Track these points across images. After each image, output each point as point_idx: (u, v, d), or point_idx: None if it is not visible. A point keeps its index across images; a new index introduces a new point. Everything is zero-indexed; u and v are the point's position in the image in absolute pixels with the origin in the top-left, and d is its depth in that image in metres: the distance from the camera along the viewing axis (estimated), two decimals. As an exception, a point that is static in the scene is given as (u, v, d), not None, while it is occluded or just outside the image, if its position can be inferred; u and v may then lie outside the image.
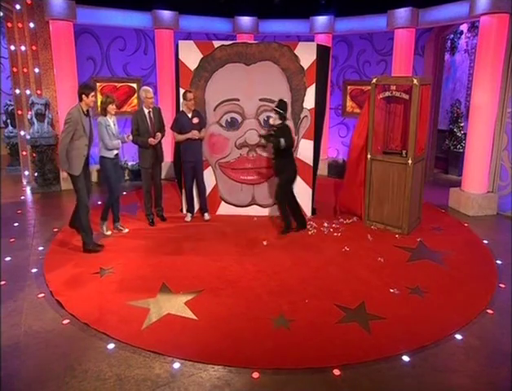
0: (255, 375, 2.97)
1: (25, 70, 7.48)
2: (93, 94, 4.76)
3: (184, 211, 6.19)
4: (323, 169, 8.77)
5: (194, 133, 5.61)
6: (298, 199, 6.24)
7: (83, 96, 4.70)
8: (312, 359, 3.14)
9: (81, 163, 4.76)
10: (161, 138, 5.63)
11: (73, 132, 4.64)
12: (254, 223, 5.98)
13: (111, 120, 5.15)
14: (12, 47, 7.48)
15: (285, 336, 3.39)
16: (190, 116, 5.67)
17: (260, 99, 5.89)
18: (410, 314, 3.73)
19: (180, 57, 5.91)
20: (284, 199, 5.51)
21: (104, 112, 5.10)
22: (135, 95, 8.63)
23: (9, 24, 7.41)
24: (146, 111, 5.57)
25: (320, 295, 4.01)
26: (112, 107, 5.09)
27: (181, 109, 5.82)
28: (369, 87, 5.75)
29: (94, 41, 8.16)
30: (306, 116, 5.96)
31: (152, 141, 5.47)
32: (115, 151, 5.21)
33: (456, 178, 8.36)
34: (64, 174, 4.87)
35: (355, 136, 5.93)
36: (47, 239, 5.36)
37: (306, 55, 5.78)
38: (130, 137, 5.34)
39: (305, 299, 3.92)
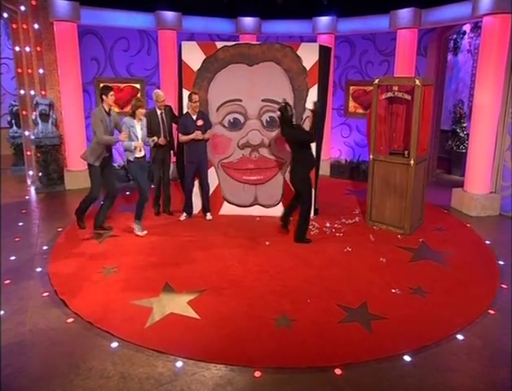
0: (257, 374, 2.99)
1: (30, 71, 7.54)
2: (112, 93, 5.20)
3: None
4: (325, 170, 8.79)
5: (197, 134, 5.66)
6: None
7: (103, 97, 5.17)
8: (314, 358, 3.16)
9: (100, 155, 5.22)
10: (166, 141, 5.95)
11: (102, 126, 5.08)
12: (257, 223, 6.00)
13: (137, 123, 5.24)
14: (17, 48, 7.54)
15: (287, 336, 3.41)
16: (195, 117, 5.72)
17: (263, 100, 5.92)
18: (412, 314, 3.75)
19: (183, 58, 5.94)
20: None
21: (133, 114, 5.23)
22: (138, 95, 8.66)
23: (14, 26, 7.47)
24: (158, 112, 5.93)
25: (322, 295, 4.03)
26: (140, 111, 5.21)
27: (186, 111, 5.87)
28: (372, 87, 5.76)
29: (97, 42, 8.22)
30: (308, 116, 5.98)
31: (162, 141, 5.80)
32: (138, 154, 5.29)
33: (459, 179, 8.34)
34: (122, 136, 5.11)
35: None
36: (51, 238, 5.41)
37: (309, 56, 5.80)
38: (155, 139, 5.55)
39: (307, 299, 3.94)
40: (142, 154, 5.34)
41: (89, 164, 5.27)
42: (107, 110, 5.19)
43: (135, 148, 5.19)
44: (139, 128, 5.25)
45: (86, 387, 2.86)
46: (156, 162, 6.02)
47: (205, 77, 5.94)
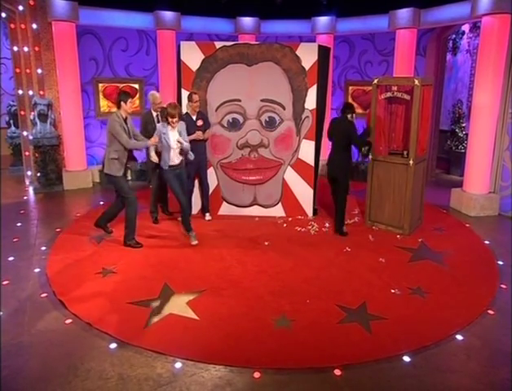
0: (256, 374, 2.98)
1: (28, 71, 7.52)
2: (131, 100, 4.93)
3: None
4: (324, 170, 8.73)
5: (198, 134, 5.65)
6: (299, 199, 6.28)
7: (122, 103, 4.87)
8: (313, 359, 3.15)
9: (123, 165, 4.97)
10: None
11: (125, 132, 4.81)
12: (256, 223, 5.99)
13: (170, 130, 4.97)
14: (15, 48, 7.51)
15: (287, 336, 3.40)
16: (194, 118, 5.70)
17: (262, 100, 5.91)
18: (411, 314, 3.74)
19: (182, 58, 5.93)
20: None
21: (167, 121, 4.99)
22: (137, 96, 8.66)
23: (12, 25, 7.45)
24: (154, 114, 5.75)
25: (322, 295, 4.03)
26: (172, 120, 4.93)
27: (185, 111, 5.85)
28: (371, 87, 5.76)
29: (96, 42, 8.20)
30: (307, 116, 5.98)
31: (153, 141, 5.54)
32: (174, 162, 5.08)
33: (458, 179, 8.35)
34: (151, 141, 4.93)
35: None
36: (50, 239, 5.39)
37: (308, 56, 5.80)
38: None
39: (306, 299, 3.93)
40: (177, 162, 5.09)
41: (110, 175, 4.96)
42: (124, 117, 4.90)
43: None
44: (171, 134, 4.95)
45: (85, 388, 2.85)
46: (154, 165, 5.67)
47: (204, 77, 5.93)
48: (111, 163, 4.91)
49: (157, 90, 7.94)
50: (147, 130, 5.59)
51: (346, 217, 6.17)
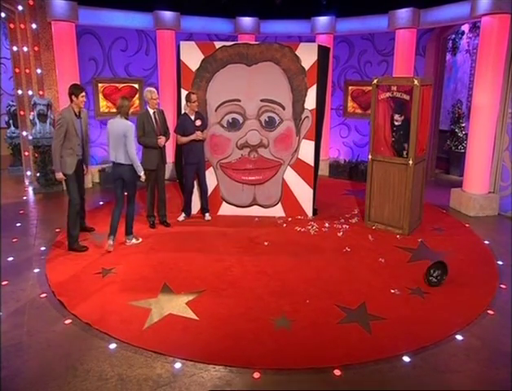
0: (256, 375, 2.98)
1: (27, 71, 7.51)
2: (83, 94, 4.89)
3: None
4: (324, 170, 8.78)
5: (198, 134, 5.64)
6: (299, 199, 6.28)
7: (73, 97, 4.83)
8: (313, 359, 3.14)
9: (74, 162, 4.94)
10: (167, 140, 5.65)
11: (65, 133, 4.76)
12: (256, 224, 5.99)
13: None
14: (14, 48, 7.50)
15: (286, 337, 3.40)
16: (193, 118, 5.69)
17: (261, 100, 5.90)
18: (411, 314, 3.74)
19: (182, 58, 5.92)
20: None
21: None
22: (137, 96, 8.66)
23: (11, 25, 7.43)
24: (151, 111, 5.55)
25: (321, 295, 4.02)
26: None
27: (183, 111, 5.84)
28: (370, 88, 5.76)
29: (96, 42, 8.20)
30: (307, 116, 5.98)
31: (161, 141, 5.46)
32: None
33: (458, 179, 8.35)
34: (59, 175, 4.91)
35: None
36: (49, 239, 5.38)
37: (308, 56, 5.80)
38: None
39: (306, 299, 3.93)
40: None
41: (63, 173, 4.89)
42: (76, 112, 4.84)
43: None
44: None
45: (84, 389, 2.84)
46: (151, 166, 5.49)
47: (204, 77, 5.93)
48: (62, 160, 4.86)
49: (157, 90, 7.92)
50: (146, 133, 5.41)
51: (345, 217, 6.20)
